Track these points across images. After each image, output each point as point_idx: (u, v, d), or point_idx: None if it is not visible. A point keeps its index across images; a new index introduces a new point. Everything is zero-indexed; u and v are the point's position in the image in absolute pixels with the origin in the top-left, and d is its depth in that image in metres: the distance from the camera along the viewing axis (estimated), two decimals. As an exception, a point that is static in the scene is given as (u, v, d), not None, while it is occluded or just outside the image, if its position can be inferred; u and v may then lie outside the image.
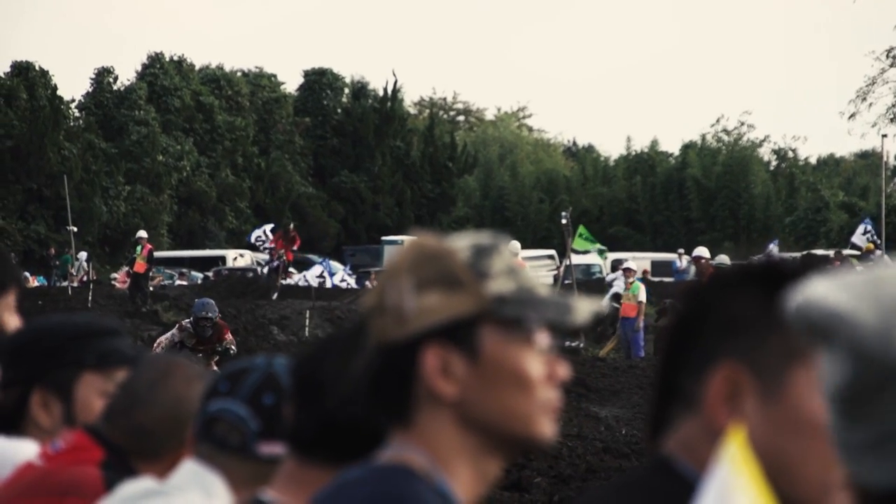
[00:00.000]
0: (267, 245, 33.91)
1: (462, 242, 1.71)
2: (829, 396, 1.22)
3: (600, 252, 39.05)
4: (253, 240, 36.63)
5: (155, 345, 14.33)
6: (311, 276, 40.18)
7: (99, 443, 2.46)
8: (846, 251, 35.00)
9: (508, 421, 1.66)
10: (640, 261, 38.00)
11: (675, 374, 1.61)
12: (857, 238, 34.30)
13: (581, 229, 30.18)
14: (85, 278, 40.15)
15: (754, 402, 1.54)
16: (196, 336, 14.03)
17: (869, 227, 34.03)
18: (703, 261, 21.20)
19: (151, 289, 31.93)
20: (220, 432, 2.20)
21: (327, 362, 1.95)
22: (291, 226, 34.02)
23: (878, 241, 33.63)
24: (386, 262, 1.69)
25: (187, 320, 14.46)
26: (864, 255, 31.80)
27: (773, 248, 34.29)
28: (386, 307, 1.66)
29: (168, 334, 14.60)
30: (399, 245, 52.10)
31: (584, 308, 1.71)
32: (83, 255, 43.68)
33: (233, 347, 14.26)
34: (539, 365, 1.68)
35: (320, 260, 44.79)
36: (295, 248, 34.16)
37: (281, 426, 2.17)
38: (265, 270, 33.90)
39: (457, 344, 1.65)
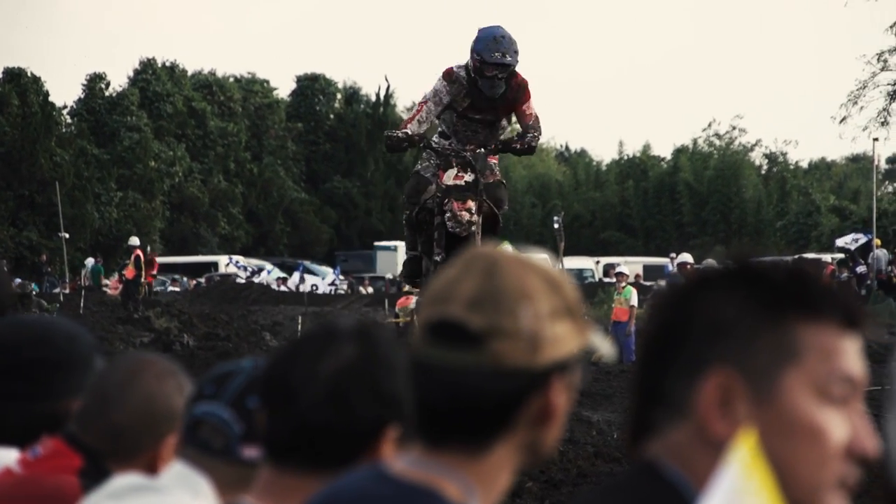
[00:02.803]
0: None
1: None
2: None
3: None
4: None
5: (420, 102, 8.89)
6: (292, 284, 40.29)
7: (76, 448, 2.44)
8: (836, 255, 34.95)
9: (553, 445, 1.71)
10: (632, 265, 38.10)
11: (658, 379, 1.58)
12: (845, 241, 33.86)
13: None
14: (87, 284, 40.80)
15: (746, 406, 1.52)
16: (474, 95, 8.55)
17: (862, 240, 33.51)
18: (688, 267, 21.19)
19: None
20: (204, 435, 2.20)
21: (297, 366, 1.92)
22: (149, 249, 33.52)
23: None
24: (501, 284, 1.64)
25: (459, 65, 8.60)
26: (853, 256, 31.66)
27: None
28: (518, 331, 1.63)
29: (430, 89, 8.83)
30: (392, 251, 52.27)
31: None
32: (90, 261, 44.88)
33: (537, 138, 8.72)
34: None
35: (298, 266, 44.95)
36: (154, 272, 33.06)
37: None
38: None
39: (567, 376, 1.68)
